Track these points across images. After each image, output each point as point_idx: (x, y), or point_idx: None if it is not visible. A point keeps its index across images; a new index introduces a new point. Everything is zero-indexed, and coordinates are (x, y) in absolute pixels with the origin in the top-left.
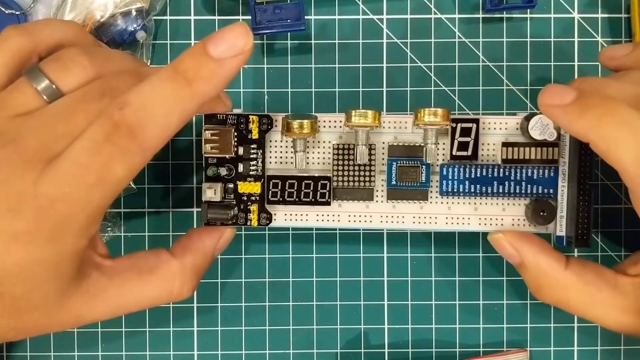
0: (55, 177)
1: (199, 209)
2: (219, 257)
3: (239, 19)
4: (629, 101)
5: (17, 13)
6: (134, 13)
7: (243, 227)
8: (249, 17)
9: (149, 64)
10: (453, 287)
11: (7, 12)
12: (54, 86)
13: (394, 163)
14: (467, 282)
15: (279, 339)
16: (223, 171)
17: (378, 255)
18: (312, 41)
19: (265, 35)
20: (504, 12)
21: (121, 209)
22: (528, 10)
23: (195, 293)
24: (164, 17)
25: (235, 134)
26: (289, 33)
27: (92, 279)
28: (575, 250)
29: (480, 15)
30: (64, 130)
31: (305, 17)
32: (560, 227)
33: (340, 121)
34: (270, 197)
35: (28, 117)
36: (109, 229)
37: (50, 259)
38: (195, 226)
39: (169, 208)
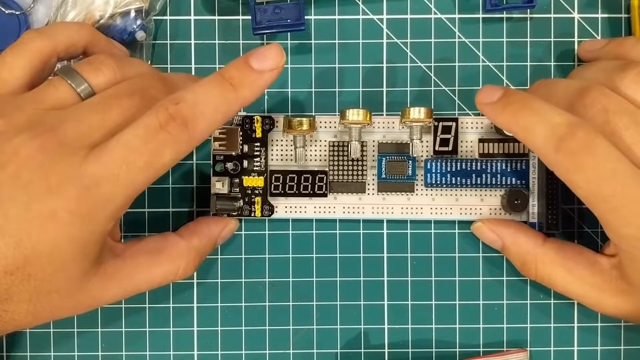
0: (105, 159)
1: (199, 209)
2: (219, 257)
3: (239, 19)
4: (568, 95)
5: (17, 13)
6: (133, 13)
7: (244, 227)
8: (249, 17)
9: (149, 64)
10: (453, 287)
11: (7, 12)
12: (86, 84)
13: (384, 158)
14: (467, 282)
15: (279, 339)
16: (230, 166)
17: (378, 255)
18: (312, 41)
19: (265, 35)
20: (504, 12)
21: None
22: (528, 10)
23: (195, 293)
24: (164, 17)
25: (241, 133)
26: (289, 33)
27: (109, 262)
28: None
29: (480, 15)
30: (99, 123)
31: (305, 17)
32: (533, 214)
33: (335, 122)
34: (272, 190)
35: (64, 110)
36: None
37: (82, 239)
38: None
39: (169, 208)
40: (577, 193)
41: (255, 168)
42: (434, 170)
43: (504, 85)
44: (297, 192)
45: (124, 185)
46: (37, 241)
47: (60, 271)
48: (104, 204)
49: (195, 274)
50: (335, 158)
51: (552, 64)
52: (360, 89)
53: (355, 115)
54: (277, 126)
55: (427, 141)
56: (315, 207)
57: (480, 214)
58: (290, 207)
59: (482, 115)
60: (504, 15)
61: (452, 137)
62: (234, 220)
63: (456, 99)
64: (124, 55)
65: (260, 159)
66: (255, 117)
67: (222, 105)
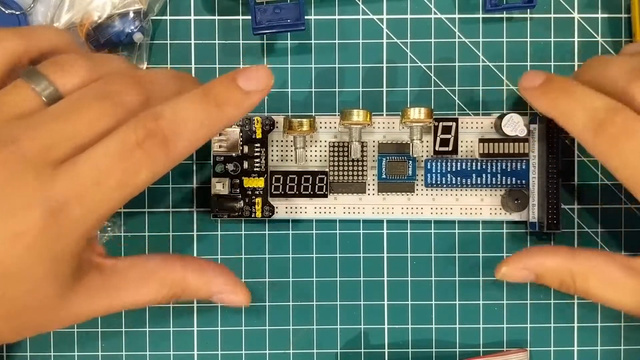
0: (72, 179)
1: (199, 209)
2: (219, 257)
3: (239, 19)
4: (622, 75)
5: (17, 13)
6: (131, 14)
7: (244, 227)
8: (249, 17)
9: (147, 64)
10: (453, 287)
11: (7, 12)
12: (52, 87)
13: (384, 159)
14: (467, 282)
15: (279, 339)
16: (230, 167)
17: (378, 255)
18: (312, 41)
19: (265, 35)
20: (504, 12)
21: (121, 209)
22: (528, 10)
23: None
24: (164, 17)
25: (241, 134)
26: (289, 33)
27: (90, 278)
28: None
29: (480, 15)
30: (64, 134)
31: (305, 17)
32: (532, 214)
33: (336, 122)
34: (272, 190)
35: (26, 120)
36: (109, 229)
37: (52, 258)
38: (195, 226)
39: (169, 208)
40: (617, 176)
41: (255, 169)
42: (434, 170)
43: (504, 85)
44: (297, 192)
45: (95, 207)
46: (2, 262)
47: (33, 291)
48: (73, 226)
49: None
50: (336, 158)
51: (552, 64)
52: (360, 89)
53: (355, 115)
54: (277, 127)
55: (427, 141)
56: (315, 208)
57: (481, 213)
58: (291, 207)
59: (482, 115)
60: (504, 15)
61: (452, 137)
62: (245, 296)
63: (456, 99)
64: (97, 53)
65: (261, 159)
66: (255, 118)
67: (205, 123)
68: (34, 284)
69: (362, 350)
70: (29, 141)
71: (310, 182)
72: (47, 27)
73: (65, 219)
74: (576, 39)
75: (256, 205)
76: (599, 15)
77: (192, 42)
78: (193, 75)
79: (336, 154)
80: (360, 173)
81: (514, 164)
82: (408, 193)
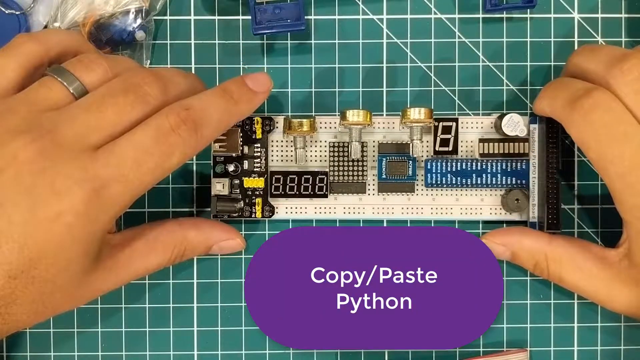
0: (114, 160)
1: (199, 209)
2: (219, 257)
3: (239, 19)
4: (609, 59)
5: (17, 13)
6: (133, 13)
7: (244, 227)
8: (249, 17)
9: (148, 64)
10: None
11: (7, 12)
12: (78, 82)
13: (384, 159)
14: None
15: None
16: (230, 167)
17: None
18: (312, 41)
19: (265, 35)
20: (504, 12)
21: None
22: (528, 10)
23: (195, 293)
24: (164, 17)
25: (241, 134)
26: (289, 33)
27: (107, 255)
28: None
29: (480, 15)
30: (95, 123)
31: (305, 17)
32: (533, 213)
33: (336, 122)
34: (273, 191)
35: (59, 111)
36: None
37: (86, 239)
38: None
39: (169, 208)
40: (588, 156)
41: (255, 169)
42: (434, 171)
43: (504, 85)
44: (297, 192)
45: (133, 186)
46: (43, 243)
47: (64, 271)
48: (111, 205)
49: (195, 273)
50: (336, 159)
51: (552, 64)
52: (360, 89)
53: (355, 116)
54: (277, 127)
55: (427, 141)
56: (315, 208)
57: (481, 213)
58: (291, 207)
59: (482, 115)
60: (504, 15)
61: (452, 137)
62: (241, 239)
63: (456, 99)
64: (112, 55)
65: (261, 160)
66: (255, 119)
67: (225, 114)
68: (66, 264)
69: (362, 350)
70: (65, 129)
71: (310, 183)
72: (59, 31)
73: (107, 197)
74: (576, 39)
75: (256, 206)
76: (599, 15)
77: (192, 42)
78: None
79: (336, 154)
80: (360, 173)
81: (514, 164)
82: (408, 193)
